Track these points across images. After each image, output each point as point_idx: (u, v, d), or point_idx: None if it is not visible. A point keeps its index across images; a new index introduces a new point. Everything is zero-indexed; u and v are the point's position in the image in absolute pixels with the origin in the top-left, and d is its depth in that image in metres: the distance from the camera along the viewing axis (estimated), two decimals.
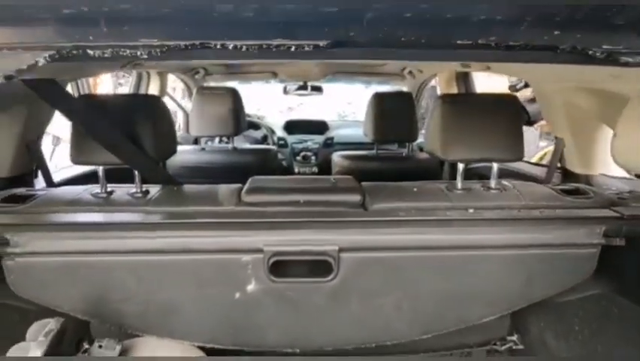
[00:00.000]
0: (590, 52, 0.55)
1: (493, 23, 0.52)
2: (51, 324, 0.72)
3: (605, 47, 0.55)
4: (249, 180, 1.08)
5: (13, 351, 0.71)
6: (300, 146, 2.54)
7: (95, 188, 1.04)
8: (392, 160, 2.02)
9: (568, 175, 1.35)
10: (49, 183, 1.30)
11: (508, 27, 0.53)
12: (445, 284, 0.96)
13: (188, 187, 1.10)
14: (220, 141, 2.40)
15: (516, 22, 0.52)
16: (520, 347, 1.21)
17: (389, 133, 1.90)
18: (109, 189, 1.04)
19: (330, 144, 2.56)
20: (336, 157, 2.02)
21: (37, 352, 0.68)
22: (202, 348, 1.00)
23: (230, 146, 2.03)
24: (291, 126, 2.76)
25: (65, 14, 0.48)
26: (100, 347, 0.82)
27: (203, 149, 2.10)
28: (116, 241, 0.92)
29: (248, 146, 2.42)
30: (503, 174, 1.37)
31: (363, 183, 1.09)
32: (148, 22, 0.52)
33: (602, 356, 1.03)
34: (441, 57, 0.85)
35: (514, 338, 1.22)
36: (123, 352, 0.87)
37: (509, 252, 0.95)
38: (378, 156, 1.98)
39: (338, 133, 2.69)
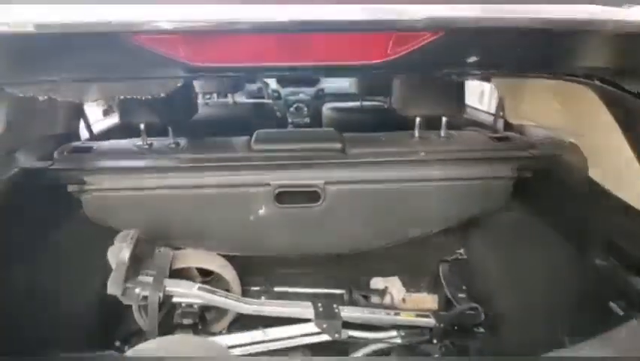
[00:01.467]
0: None
1: None
2: (132, 233, 1.08)
3: None
4: (255, 133, 1.40)
5: (113, 249, 1.06)
6: (293, 98, 2.69)
7: (137, 141, 1.36)
8: (374, 112, 2.32)
9: (507, 125, 1.69)
10: (93, 137, 1.61)
11: None
12: (400, 207, 1.33)
13: (209, 139, 1.42)
14: (218, 97, 2.58)
15: None
16: (465, 257, 1.60)
17: (370, 88, 2.19)
18: (148, 142, 1.35)
19: (321, 96, 2.74)
20: (326, 110, 2.32)
21: (127, 250, 1.03)
22: (226, 256, 1.38)
23: (230, 100, 2.32)
24: (284, 79, 2.95)
25: None
26: (159, 251, 1.18)
27: (207, 104, 2.37)
28: (160, 180, 1.26)
29: (246, 100, 2.67)
30: (469, 123, 1.69)
31: (345, 134, 1.42)
32: None
33: (520, 259, 1.41)
34: None
35: (461, 250, 1.61)
36: (174, 260, 1.22)
37: (446, 183, 1.31)
38: (362, 109, 2.28)
39: (328, 85, 2.87)
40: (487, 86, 2.14)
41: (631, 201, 0.97)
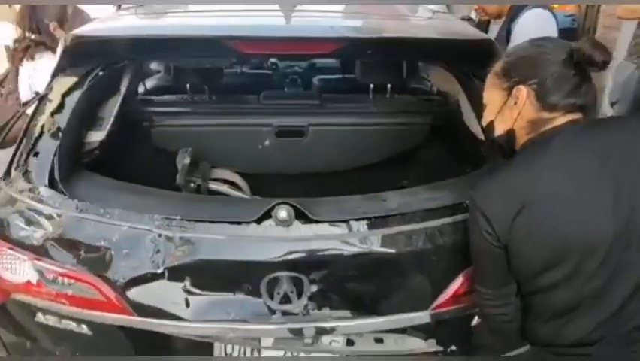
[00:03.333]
0: None
1: None
2: (188, 149, 1.77)
3: None
4: (262, 92, 2.08)
5: (178, 158, 1.76)
6: (289, 70, 3.25)
7: (184, 95, 2.03)
8: (347, 81, 3.00)
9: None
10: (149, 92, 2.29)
11: None
12: (358, 142, 2.03)
13: (232, 95, 2.09)
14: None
15: None
16: (406, 182, 2.32)
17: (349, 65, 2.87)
18: (192, 96, 2.03)
19: (313, 69, 3.28)
20: (315, 80, 3.01)
21: (187, 157, 1.73)
22: (240, 173, 2.07)
23: (238, 70, 2.99)
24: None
25: None
26: (202, 164, 1.88)
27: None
28: (200, 121, 1.95)
29: (250, 70, 3.33)
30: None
31: (324, 95, 2.10)
32: None
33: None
34: None
35: (405, 181, 2.33)
36: (209, 173, 1.93)
37: (388, 127, 2.01)
38: (339, 79, 2.97)
39: (318, 61, 3.37)
40: None
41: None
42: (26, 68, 2.38)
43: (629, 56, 2.66)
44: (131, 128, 1.83)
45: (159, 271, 1.09)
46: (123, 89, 1.63)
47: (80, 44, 1.34)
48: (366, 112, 2.01)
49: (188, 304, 1.11)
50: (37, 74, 2.27)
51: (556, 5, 2.55)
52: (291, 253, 1.10)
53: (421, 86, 2.36)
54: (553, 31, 2.32)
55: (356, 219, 1.15)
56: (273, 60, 3.16)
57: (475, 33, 1.63)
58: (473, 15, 2.62)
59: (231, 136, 1.99)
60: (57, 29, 2.35)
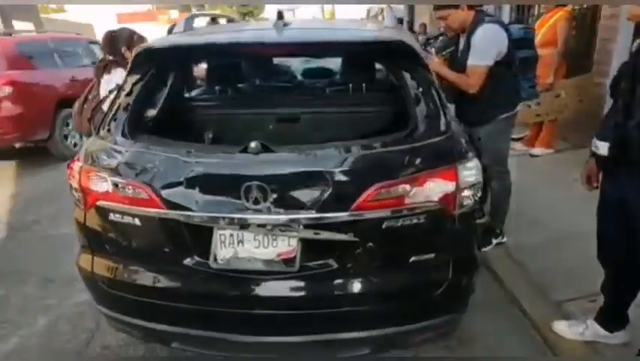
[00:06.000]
0: None
1: None
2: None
3: None
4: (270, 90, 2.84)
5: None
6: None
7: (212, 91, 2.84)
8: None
9: None
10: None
11: None
12: (337, 123, 2.70)
13: (253, 94, 2.90)
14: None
15: None
16: None
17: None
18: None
19: (309, 73, 4.09)
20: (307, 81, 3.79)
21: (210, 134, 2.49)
22: None
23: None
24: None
25: None
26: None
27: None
28: (218, 110, 2.77)
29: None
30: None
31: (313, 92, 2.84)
32: None
33: None
34: None
35: None
36: None
37: (357, 114, 2.68)
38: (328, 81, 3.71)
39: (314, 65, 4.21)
40: None
41: None
42: (105, 79, 3.38)
43: None
44: (174, 110, 2.62)
45: (181, 180, 1.82)
46: (169, 83, 2.44)
47: (140, 54, 2.15)
48: (345, 103, 2.70)
49: (196, 202, 1.81)
50: (112, 83, 3.22)
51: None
52: (258, 169, 1.78)
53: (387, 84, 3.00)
54: (502, 40, 2.90)
55: (302, 153, 1.82)
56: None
57: (391, 36, 2.20)
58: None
59: (247, 121, 2.74)
60: (127, 52, 3.34)
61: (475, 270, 2.05)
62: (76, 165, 2.01)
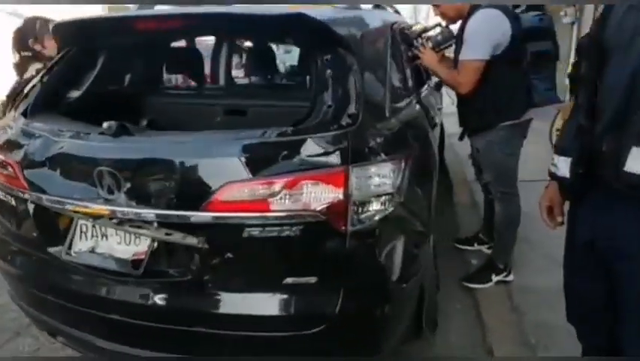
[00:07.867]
0: None
1: None
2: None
3: None
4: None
5: None
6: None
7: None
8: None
9: None
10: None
11: None
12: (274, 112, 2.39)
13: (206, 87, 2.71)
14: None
15: None
16: None
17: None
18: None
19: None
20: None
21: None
22: None
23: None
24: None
25: None
26: None
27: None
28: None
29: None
30: None
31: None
32: None
33: None
34: None
35: None
36: None
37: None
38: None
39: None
40: None
41: None
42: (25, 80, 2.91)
43: None
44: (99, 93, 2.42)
45: (43, 160, 1.67)
46: (96, 63, 2.27)
47: (58, 29, 2.05)
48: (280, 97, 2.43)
49: (52, 185, 1.65)
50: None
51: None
52: (110, 153, 1.56)
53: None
54: (501, 29, 2.34)
55: (161, 139, 1.55)
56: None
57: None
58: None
59: (204, 110, 2.50)
60: (35, 44, 2.86)
61: (383, 305, 1.60)
62: None
